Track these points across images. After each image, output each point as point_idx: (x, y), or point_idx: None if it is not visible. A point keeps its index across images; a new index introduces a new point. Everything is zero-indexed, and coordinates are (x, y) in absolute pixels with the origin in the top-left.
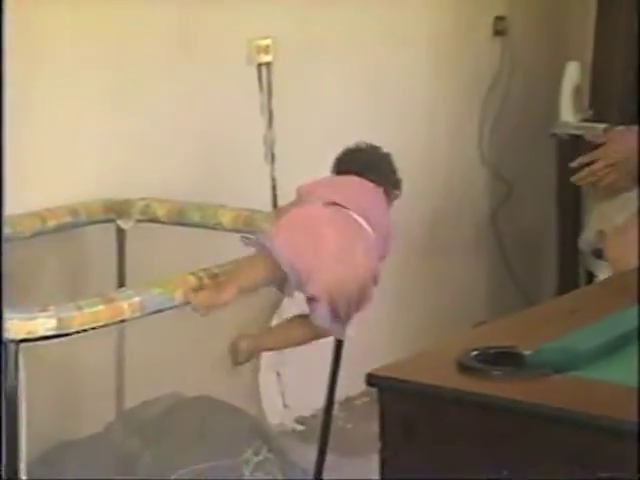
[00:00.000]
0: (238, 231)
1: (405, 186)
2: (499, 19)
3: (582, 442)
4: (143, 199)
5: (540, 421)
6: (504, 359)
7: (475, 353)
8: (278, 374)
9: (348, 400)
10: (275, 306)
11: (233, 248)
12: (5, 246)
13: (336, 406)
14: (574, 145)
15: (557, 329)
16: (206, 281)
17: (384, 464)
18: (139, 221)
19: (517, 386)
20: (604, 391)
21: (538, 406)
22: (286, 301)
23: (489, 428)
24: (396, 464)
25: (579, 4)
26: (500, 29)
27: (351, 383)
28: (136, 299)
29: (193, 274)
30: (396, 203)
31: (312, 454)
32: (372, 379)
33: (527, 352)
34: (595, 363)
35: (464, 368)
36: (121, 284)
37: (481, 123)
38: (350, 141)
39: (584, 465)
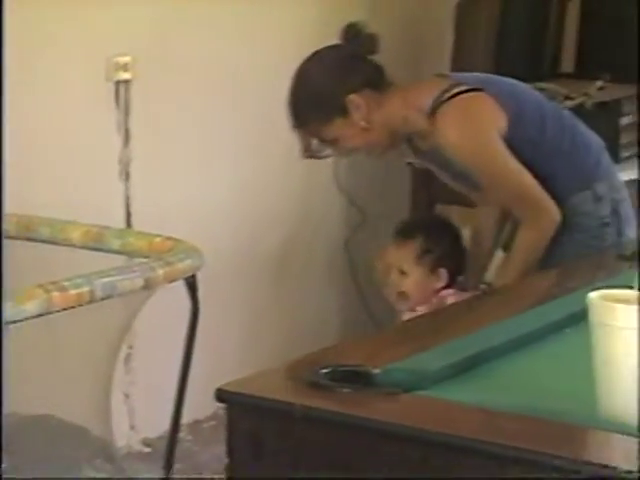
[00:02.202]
0: (88, 247)
1: (260, 213)
2: None
3: (428, 459)
4: None
5: (387, 438)
6: (353, 378)
7: (325, 371)
8: (126, 395)
9: (196, 423)
10: (126, 327)
11: (82, 263)
12: None
13: (184, 429)
14: (428, 173)
15: (407, 350)
16: (55, 294)
17: None
18: None
19: (365, 404)
20: (452, 410)
21: (385, 424)
22: (138, 319)
23: (337, 445)
24: None
25: (437, 29)
26: None
27: (199, 406)
28: None
29: (41, 286)
30: (251, 228)
31: (158, 475)
32: (221, 394)
33: (376, 371)
34: (443, 383)
35: (313, 385)
36: None
37: None
38: (207, 163)
39: None
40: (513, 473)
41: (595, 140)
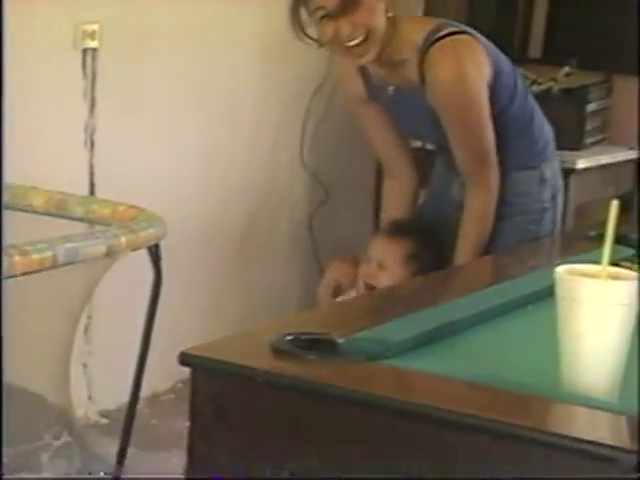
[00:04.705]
0: (50, 214)
1: (225, 186)
2: None
3: (389, 426)
4: None
5: (348, 405)
6: (318, 345)
7: (289, 338)
8: (84, 365)
9: (154, 396)
10: (86, 296)
11: (44, 230)
12: None
13: (142, 401)
14: None
15: (371, 321)
16: (17, 258)
17: (192, 445)
18: None
19: (328, 371)
20: (414, 379)
21: (347, 390)
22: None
23: (299, 411)
24: (205, 445)
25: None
26: None
27: (158, 379)
28: None
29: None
30: (216, 199)
31: (114, 447)
32: (185, 358)
33: (340, 340)
34: (407, 354)
35: (277, 351)
36: None
37: (303, 127)
38: (173, 134)
39: (393, 450)
40: (475, 442)
41: (547, 126)
